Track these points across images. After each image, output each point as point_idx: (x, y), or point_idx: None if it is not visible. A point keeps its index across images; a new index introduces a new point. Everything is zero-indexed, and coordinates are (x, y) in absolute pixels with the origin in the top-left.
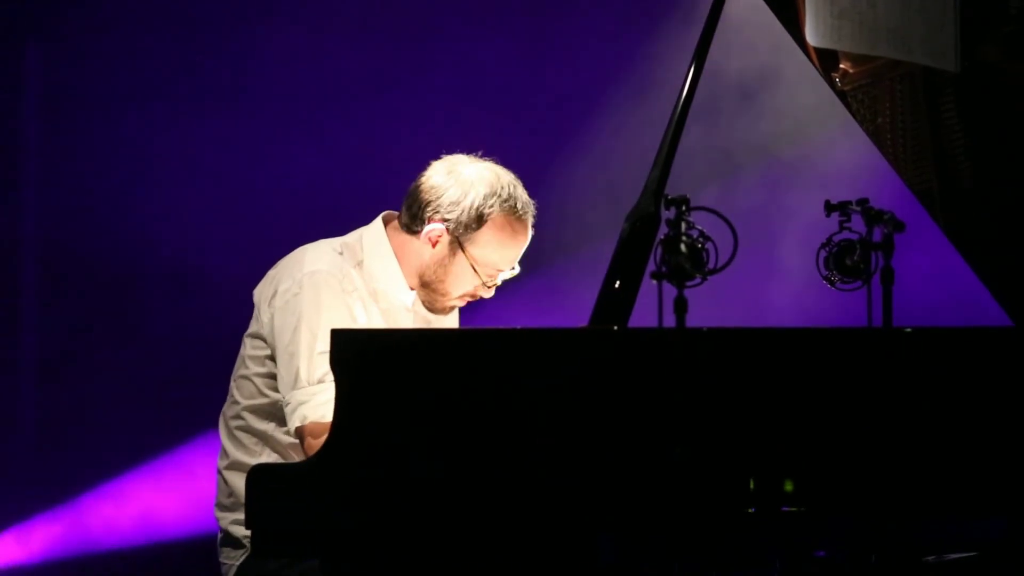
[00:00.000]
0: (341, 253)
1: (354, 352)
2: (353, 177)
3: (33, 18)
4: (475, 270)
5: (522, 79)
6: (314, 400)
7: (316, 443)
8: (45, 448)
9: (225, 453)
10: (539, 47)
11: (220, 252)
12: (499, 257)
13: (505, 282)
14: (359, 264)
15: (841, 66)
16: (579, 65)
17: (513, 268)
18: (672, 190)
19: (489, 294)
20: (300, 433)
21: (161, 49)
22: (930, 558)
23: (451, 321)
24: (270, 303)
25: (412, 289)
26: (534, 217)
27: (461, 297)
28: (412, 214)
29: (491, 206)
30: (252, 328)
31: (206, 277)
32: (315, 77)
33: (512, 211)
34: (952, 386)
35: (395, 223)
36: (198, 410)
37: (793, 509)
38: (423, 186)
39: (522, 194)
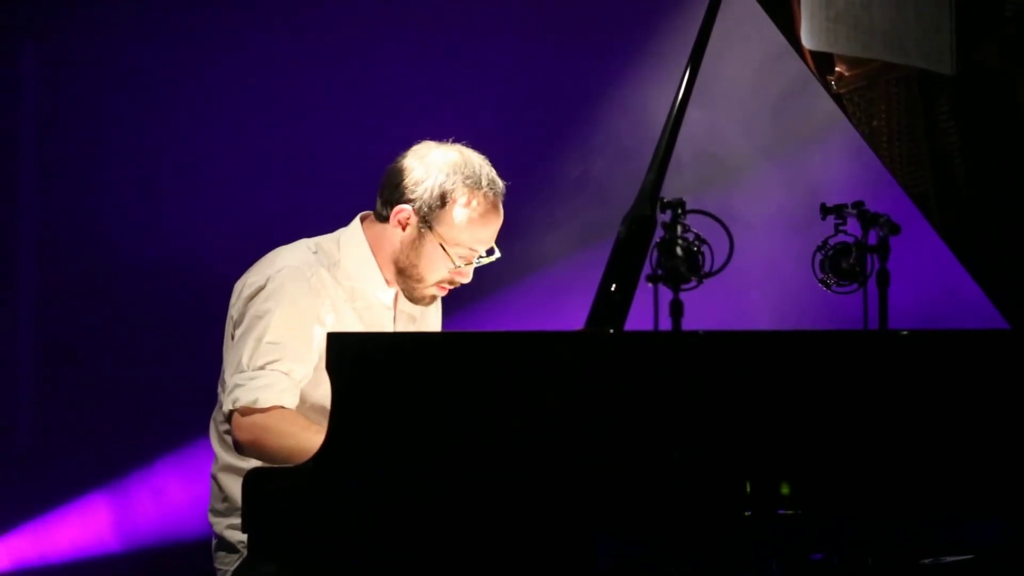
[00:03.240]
0: (315, 252)
1: (349, 356)
2: (353, 178)
3: (29, 19)
4: (445, 250)
5: (518, 80)
6: (250, 384)
7: (244, 422)
8: (41, 451)
9: (217, 457)
10: (534, 48)
11: (219, 253)
12: (468, 236)
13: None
14: (334, 265)
15: (837, 69)
16: (575, 67)
17: (492, 252)
18: (668, 193)
19: (466, 279)
20: (230, 416)
21: (158, 50)
22: (927, 560)
23: (434, 319)
24: (239, 297)
25: (391, 286)
26: (503, 196)
27: (438, 284)
28: (383, 200)
29: (453, 184)
30: (228, 329)
31: (205, 278)
32: (314, 78)
33: (476, 187)
34: (948, 388)
35: (371, 218)
36: (196, 413)
37: (790, 512)
38: (391, 171)
39: (488, 172)
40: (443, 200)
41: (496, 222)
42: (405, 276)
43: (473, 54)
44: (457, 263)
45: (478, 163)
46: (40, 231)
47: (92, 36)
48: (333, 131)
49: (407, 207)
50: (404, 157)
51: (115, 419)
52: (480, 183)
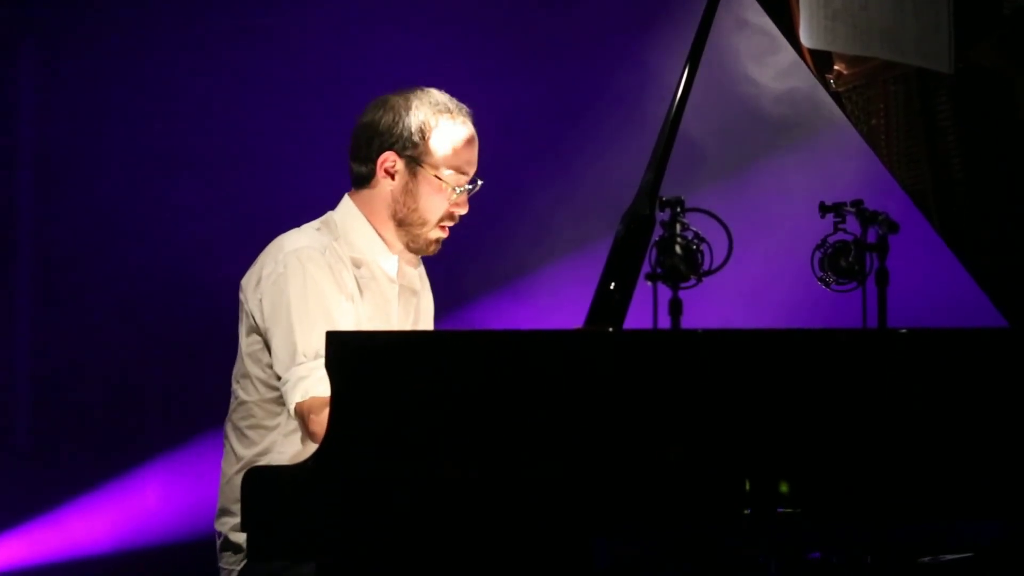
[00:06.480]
0: (319, 229)
1: (348, 353)
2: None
3: (28, 19)
4: (440, 180)
5: (517, 80)
6: (315, 375)
7: (320, 420)
8: (41, 451)
9: (236, 457)
10: (534, 48)
11: (219, 252)
12: (455, 159)
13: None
14: (338, 238)
15: (835, 67)
16: (574, 66)
17: (475, 182)
18: (667, 192)
19: (464, 210)
20: (301, 410)
21: (157, 50)
22: (926, 559)
23: (427, 301)
24: (256, 289)
25: (392, 252)
26: (471, 116)
27: (440, 225)
28: (360, 160)
29: (424, 115)
30: (243, 322)
31: (205, 278)
32: (314, 79)
33: (446, 111)
34: (947, 387)
35: (353, 189)
36: (196, 413)
37: (788, 510)
38: (358, 130)
39: (449, 96)
40: (422, 132)
41: (475, 140)
42: (407, 225)
43: (468, 56)
44: (456, 191)
45: (436, 91)
46: (39, 231)
47: (92, 36)
48: (335, 131)
49: (390, 154)
50: (365, 115)
51: (115, 419)
52: (448, 106)
